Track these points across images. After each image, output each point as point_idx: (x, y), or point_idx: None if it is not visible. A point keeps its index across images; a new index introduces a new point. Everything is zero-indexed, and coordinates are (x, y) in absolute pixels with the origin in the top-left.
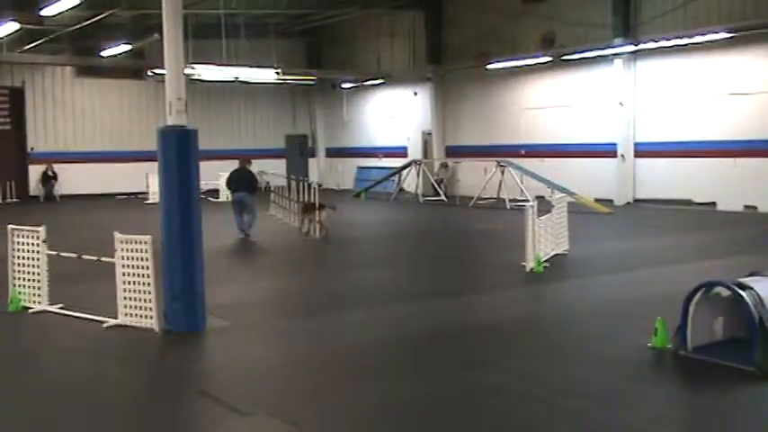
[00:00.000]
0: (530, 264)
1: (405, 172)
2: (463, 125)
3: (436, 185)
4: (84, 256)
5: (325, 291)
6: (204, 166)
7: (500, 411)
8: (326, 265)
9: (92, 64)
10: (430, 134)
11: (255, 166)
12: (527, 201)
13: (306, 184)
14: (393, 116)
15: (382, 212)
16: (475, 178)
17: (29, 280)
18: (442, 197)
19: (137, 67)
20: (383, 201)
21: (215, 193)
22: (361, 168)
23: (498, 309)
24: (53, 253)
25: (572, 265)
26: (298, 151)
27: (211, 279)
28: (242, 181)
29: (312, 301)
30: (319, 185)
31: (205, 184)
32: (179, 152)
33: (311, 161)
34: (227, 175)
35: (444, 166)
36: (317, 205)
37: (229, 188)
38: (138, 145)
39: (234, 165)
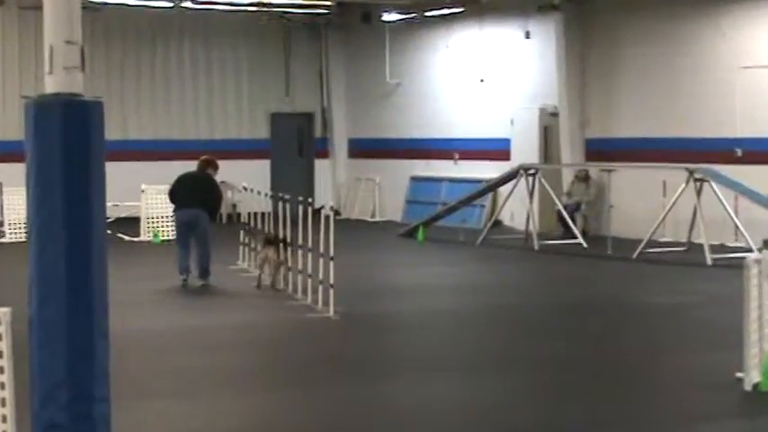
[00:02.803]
0: (753, 375)
1: (504, 189)
2: (621, 99)
3: (566, 216)
4: None
5: (343, 420)
6: (114, 173)
7: None
8: (345, 367)
9: None
10: (555, 115)
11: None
12: (748, 250)
13: (309, 208)
14: (483, 79)
15: (459, 268)
16: (644, 203)
17: None
18: (579, 239)
19: None
20: (461, 245)
21: (132, 224)
22: (417, 181)
23: None
24: None
25: None
26: (295, 146)
27: (124, 389)
28: (196, 191)
29: None
30: (334, 212)
31: (115, 206)
32: (68, 145)
33: (319, 165)
34: (156, 189)
35: (583, 178)
36: (282, 240)
37: (174, 201)
38: None
39: (174, 171)
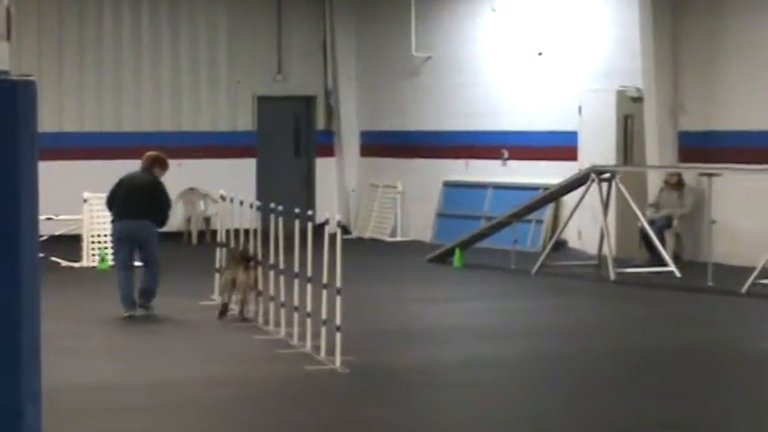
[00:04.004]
0: None
1: (570, 199)
2: (727, 81)
3: (653, 236)
4: None
5: None
6: (49, 177)
7: None
8: None
9: None
10: (638, 100)
11: (173, 178)
12: None
13: (309, 224)
14: (541, 52)
15: (509, 304)
16: (757, 219)
17: None
18: (669, 266)
19: None
20: (511, 274)
21: (72, 244)
22: (452, 188)
23: None
24: None
25: None
26: (290, 141)
27: None
28: (138, 198)
29: None
30: (342, 229)
31: (49, 219)
32: None
33: (322, 166)
34: (103, 199)
35: (675, 185)
36: (252, 257)
37: (111, 209)
38: None
39: (121, 171)
